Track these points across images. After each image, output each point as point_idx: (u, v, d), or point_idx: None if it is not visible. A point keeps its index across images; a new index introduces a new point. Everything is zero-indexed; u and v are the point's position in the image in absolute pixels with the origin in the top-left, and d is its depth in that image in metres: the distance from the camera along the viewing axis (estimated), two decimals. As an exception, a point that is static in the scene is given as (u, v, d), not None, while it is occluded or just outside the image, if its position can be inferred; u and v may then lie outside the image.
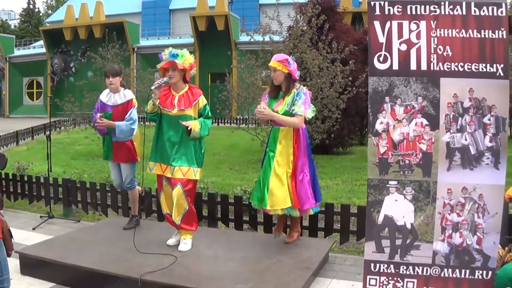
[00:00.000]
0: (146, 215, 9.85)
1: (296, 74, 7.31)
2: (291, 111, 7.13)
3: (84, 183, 10.64)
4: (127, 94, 8.14)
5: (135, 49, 52.68)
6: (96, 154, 20.84)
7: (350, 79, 17.17)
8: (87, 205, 10.60)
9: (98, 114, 7.95)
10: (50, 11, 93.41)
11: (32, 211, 11.02)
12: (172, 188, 7.14)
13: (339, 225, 8.32)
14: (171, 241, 7.43)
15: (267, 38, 18.33)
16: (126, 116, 7.98)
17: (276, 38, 18.74)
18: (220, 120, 37.32)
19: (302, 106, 7.15)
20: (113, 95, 8.11)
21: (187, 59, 7.06)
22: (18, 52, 63.07)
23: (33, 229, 9.45)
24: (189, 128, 6.91)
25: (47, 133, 10.92)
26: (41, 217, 10.10)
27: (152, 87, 6.96)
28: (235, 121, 33.56)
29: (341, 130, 19.31)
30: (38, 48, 63.13)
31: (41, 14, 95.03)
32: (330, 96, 17.00)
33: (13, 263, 7.18)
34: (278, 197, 7.10)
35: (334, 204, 8.52)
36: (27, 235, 9.01)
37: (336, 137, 19.83)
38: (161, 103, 7.08)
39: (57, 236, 8.25)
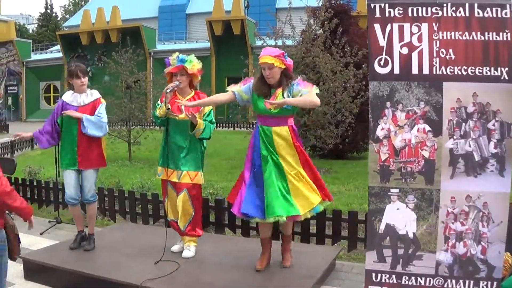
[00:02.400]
0: (153, 221, 9.77)
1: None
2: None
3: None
4: (94, 93, 7.62)
5: (152, 53, 52.78)
6: (109, 159, 20.75)
7: (364, 83, 17.03)
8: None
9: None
10: (67, 16, 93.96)
11: (42, 216, 10.99)
12: (178, 194, 7.07)
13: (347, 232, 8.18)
14: (175, 248, 7.37)
15: (279, 43, 18.23)
16: (96, 113, 7.42)
17: (289, 42, 18.63)
18: (236, 125, 37.20)
19: (304, 87, 6.39)
20: (79, 95, 7.50)
21: (195, 64, 7.02)
22: (35, 56, 63.41)
23: (41, 234, 9.43)
24: (195, 119, 6.82)
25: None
26: (49, 222, 10.07)
27: (168, 90, 6.88)
28: (250, 126, 33.41)
29: (355, 135, 19.18)
30: (55, 52, 63.45)
31: (58, 19, 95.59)
32: (343, 101, 16.89)
33: (17, 268, 7.19)
34: (304, 199, 6.36)
35: (341, 211, 8.40)
36: (34, 240, 8.96)
37: (350, 142, 19.72)
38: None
39: (62, 242, 8.19)
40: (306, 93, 6.25)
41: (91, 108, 7.42)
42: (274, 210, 6.21)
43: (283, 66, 6.35)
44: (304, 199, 6.32)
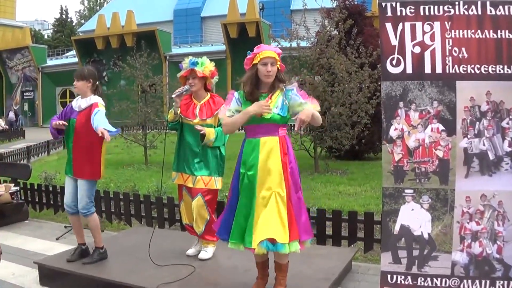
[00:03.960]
0: (169, 224, 9.76)
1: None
2: (290, 113, 5.61)
3: (108, 192, 10.59)
4: (93, 99, 7.17)
5: (167, 57, 52.89)
6: (126, 163, 20.87)
7: (379, 83, 16.97)
8: (111, 214, 10.55)
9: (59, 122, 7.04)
10: (82, 21, 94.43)
11: (57, 221, 11.02)
12: (192, 199, 7.04)
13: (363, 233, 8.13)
14: (190, 251, 7.35)
15: (294, 44, 18.22)
16: (91, 117, 6.96)
17: (303, 43, 18.61)
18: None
19: (309, 101, 5.57)
20: (81, 100, 7.22)
21: (207, 66, 6.96)
22: (50, 62, 63.82)
23: (57, 239, 9.44)
24: (202, 132, 6.72)
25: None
26: (65, 227, 10.04)
27: (173, 95, 6.86)
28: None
29: (371, 136, 19.11)
30: (71, 57, 63.81)
31: (73, 24, 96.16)
32: (359, 102, 16.87)
33: (33, 274, 7.20)
34: (268, 227, 5.44)
35: (357, 212, 8.34)
36: (50, 245, 9.02)
37: (366, 143, 19.66)
38: (182, 112, 7.00)
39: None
40: (311, 109, 5.44)
41: (87, 113, 7.07)
42: (233, 235, 5.67)
43: (279, 67, 5.67)
44: (264, 227, 5.46)
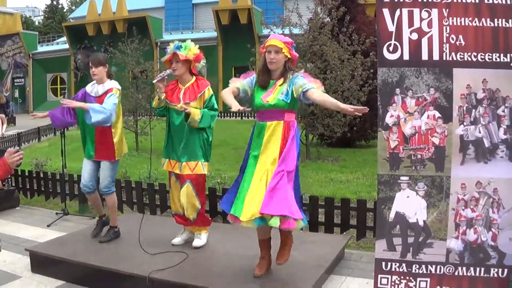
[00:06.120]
0: (161, 211, 9.74)
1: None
2: (296, 96, 5.81)
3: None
4: (110, 84, 7.48)
5: (158, 43, 52.75)
6: (116, 149, 20.78)
7: (371, 71, 17.00)
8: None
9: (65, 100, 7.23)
10: (74, 7, 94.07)
11: (48, 207, 11.00)
12: (181, 186, 7.02)
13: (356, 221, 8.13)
14: (176, 240, 7.30)
15: (287, 31, 18.20)
16: (104, 100, 7.30)
17: (296, 30, 18.60)
18: (243, 114, 37.07)
19: (308, 80, 5.84)
20: (97, 86, 7.49)
21: (191, 49, 6.86)
22: (41, 48, 63.54)
23: (48, 226, 9.42)
24: (186, 111, 6.65)
25: (62, 129, 10.90)
26: (56, 213, 10.03)
27: (154, 81, 6.85)
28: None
29: (363, 123, 19.15)
30: (62, 44, 63.55)
31: (64, 10, 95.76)
32: (351, 89, 16.88)
33: (25, 261, 7.17)
34: (254, 204, 5.70)
35: (350, 200, 8.34)
36: (41, 232, 9.01)
37: (358, 130, 19.69)
38: (168, 97, 6.95)
39: (69, 234, 8.20)
40: (313, 88, 5.70)
41: (105, 98, 7.32)
42: (234, 207, 5.88)
43: (289, 56, 5.91)
44: (255, 203, 5.69)
